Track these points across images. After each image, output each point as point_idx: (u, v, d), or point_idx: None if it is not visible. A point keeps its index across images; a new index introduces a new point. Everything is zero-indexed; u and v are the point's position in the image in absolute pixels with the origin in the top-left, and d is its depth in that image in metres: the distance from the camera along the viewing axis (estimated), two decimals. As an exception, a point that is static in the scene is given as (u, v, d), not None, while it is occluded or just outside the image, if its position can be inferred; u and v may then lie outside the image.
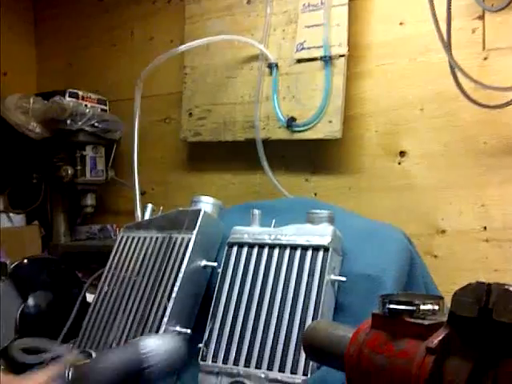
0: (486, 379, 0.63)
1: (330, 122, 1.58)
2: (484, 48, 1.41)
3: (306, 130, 1.63)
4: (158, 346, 0.91)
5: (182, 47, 1.70)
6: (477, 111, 1.39)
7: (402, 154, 1.53)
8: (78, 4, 2.31)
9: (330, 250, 1.12)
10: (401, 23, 1.54)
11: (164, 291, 1.20)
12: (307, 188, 1.70)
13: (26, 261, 1.35)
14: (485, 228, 1.40)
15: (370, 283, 1.14)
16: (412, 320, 0.71)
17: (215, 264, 1.25)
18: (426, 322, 0.70)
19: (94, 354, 1.06)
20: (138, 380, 0.87)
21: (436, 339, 0.66)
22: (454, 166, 1.45)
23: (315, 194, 1.69)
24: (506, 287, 0.64)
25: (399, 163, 1.54)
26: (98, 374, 0.84)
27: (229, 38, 1.74)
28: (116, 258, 1.33)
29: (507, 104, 1.31)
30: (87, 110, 1.93)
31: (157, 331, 1.13)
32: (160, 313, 1.16)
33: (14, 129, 1.88)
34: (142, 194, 1.91)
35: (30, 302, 1.30)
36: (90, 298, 1.35)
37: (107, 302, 1.28)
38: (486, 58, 1.40)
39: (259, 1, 1.74)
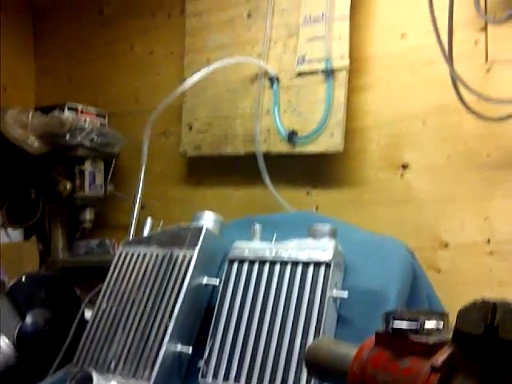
0: (493, 399, 0.62)
1: (332, 135, 1.56)
2: (487, 60, 1.40)
3: (307, 143, 1.62)
4: None
5: (187, 84, 1.66)
6: (479, 124, 1.38)
7: (405, 166, 1.52)
8: (77, 18, 2.31)
9: (332, 265, 1.11)
10: (402, 35, 1.53)
11: (165, 309, 1.18)
12: (309, 201, 1.69)
13: (24, 278, 1.33)
14: (488, 241, 1.39)
15: (372, 298, 1.12)
16: (416, 338, 0.70)
17: (217, 282, 1.23)
18: (431, 340, 0.68)
19: (93, 373, 1.05)
20: None
21: (441, 357, 0.65)
22: (456, 179, 1.44)
23: (317, 208, 1.67)
24: (513, 304, 0.62)
25: (402, 176, 1.53)
26: None
27: (228, 62, 1.71)
28: (115, 274, 1.31)
29: (510, 116, 1.30)
30: (86, 125, 1.92)
31: (157, 350, 1.12)
32: (161, 332, 1.15)
33: (13, 143, 1.87)
34: (142, 207, 1.90)
35: (28, 319, 1.28)
36: (88, 314, 1.33)
37: (106, 319, 1.26)
38: (488, 70, 1.39)
39: (260, 14, 1.74)
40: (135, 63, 2.13)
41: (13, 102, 2.05)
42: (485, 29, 1.40)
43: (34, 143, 1.88)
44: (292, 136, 1.64)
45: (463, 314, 0.65)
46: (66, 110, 1.94)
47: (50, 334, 1.30)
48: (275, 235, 1.23)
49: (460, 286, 1.41)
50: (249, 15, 1.77)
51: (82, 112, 1.99)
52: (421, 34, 1.48)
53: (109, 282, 1.31)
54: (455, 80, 1.35)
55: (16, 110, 1.93)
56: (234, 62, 1.74)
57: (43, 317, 1.31)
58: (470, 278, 1.41)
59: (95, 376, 1.03)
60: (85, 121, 1.97)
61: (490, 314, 0.63)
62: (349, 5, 1.55)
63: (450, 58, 1.35)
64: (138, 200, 1.64)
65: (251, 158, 1.71)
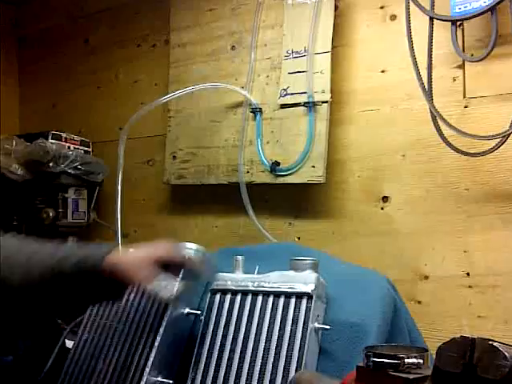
0: None
1: (314, 166, 1.59)
2: (464, 96, 1.43)
3: (289, 174, 1.64)
4: None
5: (167, 97, 1.72)
6: (458, 158, 1.41)
7: (385, 199, 1.54)
8: (62, 46, 2.33)
9: (314, 297, 1.12)
10: (383, 71, 1.56)
11: (146, 339, 1.17)
12: (291, 232, 1.70)
13: (4, 307, 1.32)
14: (468, 274, 1.41)
15: (353, 331, 1.13)
16: (397, 374, 0.71)
17: (198, 312, 1.23)
18: (411, 376, 0.70)
19: None
20: None
21: (421, 394, 0.66)
22: (436, 212, 1.46)
23: (298, 238, 1.69)
24: (490, 343, 0.63)
25: (382, 208, 1.55)
26: None
27: (212, 87, 1.75)
28: (97, 305, 1.31)
29: (487, 152, 1.33)
30: (70, 152, 1.93)
31: (138, 382, 1.11)
32: (142, 362, 1.14)
33: (-4, 171, 1.87)
34: (125, 236, 1.91)
35: (8, 349, 1.27)
36: (69, 344, 1.32)
37: (87, 349, 1.25)
38: (466, 106, 1.43)
39: (243, 47, 1.77)
40: (120, 92, 2.15)
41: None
42: (462, 66, 1.43)
43: (17, 170, 1.88)
44: (274, 167, 1.65)
45: (442, 351, 0.66)
46: (50, 137, 1.94)
47: (31, 364, 1.29)
48: (258, 267, 1.24)
49: (440, 318, 1.43)
50: (233, 47, 1.80)
51: (66, 140, 1.99)
52: (400, 70, 1.52)
53: (90, 313, 1.31)
54: (434, 115, 1.39)
55: (-1, 137, 1.94)
56: (219, 88, 1.77)
57: (23, 346, 1.30)
58: (449, 310, 1.42)
59: None
60: (69, 148, 1.98)
61: (469, 351, 0.64)
62: (330, 40, 1.58)
63: (429, 94, 1.39)
64: (119, 228, 1.65)
65: (234, 187, 1.72)
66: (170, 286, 1.09)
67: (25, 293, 1.05)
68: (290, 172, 1.64)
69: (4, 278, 1.04)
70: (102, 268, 1.06)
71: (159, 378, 1.14)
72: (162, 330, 1.17)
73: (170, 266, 1.12)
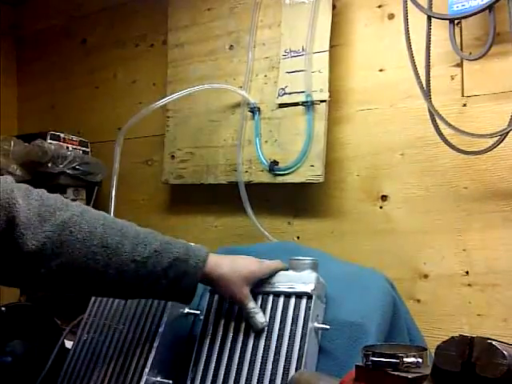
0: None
1: (312, 166, 1.59)
2: (463, 95, 1.43)
3: (288, 173, 1.64)
4: None
5: (165, 100, 1.72)
6: (457, 156, 1.40)
7: (384, 198, 1.54)
8: (60, 46, 2.33)
9: (314, 297, 1.12)
10: (381, 70, 1.56)
11: (146, 340, 1.18)
12: (290, 231, 1.70)
13: (3, 308, 1.32)
14: (467, 272, 1.41)
15: (353, 330, 1.14)
16: (396, 373, 0.71)
17: (198, 312, 1.23)
18: (410, 375, 0.70)
19: None
20: None
21: (420, 394, 0.66)
22: (435, 211, 1.46)
23: (298, 238, 1.69)
24: (489, 341, 0.63)
25: (381, 207, 1.55)
26: None
27: (210, 87, 1.75)
28: (96, 305, 1.31)
29: (486, 150, 1.33)
30: (69, 153, 1.93)
31: (137, 382, 1.11)
32: (141, 362, 1.14)
33: (-6, 171, 1.87)
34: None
35: (7, 351, 1.27)
36: (69, 345, 1.33)
37: (87, 350, 1.26)
38: (464, 105, 1.42)
39: (241, 46, 1.76)
40: (118, 92, 2.15)
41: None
42: (461, 64, 1.43)
43: (15, 171, 1.88)
44: (273, 166, 1.65)
45: (441, 350, 0.66)
46: (49, 138, 1.94)
47: (30, 364, 1.29)
48: (257, 267, 1.24)
49: (439, 317, 1.42)
50: (231, 47, 1.80)
51: (64, 140, 1.99)
52: (399, 69, 1.51)
53: (90, 313, 1.31)
54: (433, 114, 1.38)
55: (-2, 137, 1.94)
56: (216, 88, 1.77)
57: (22, 348, 1.30)
58: (449, 308, 1.42)
59: None
60: (67, 148, 1.98)
61: (468, 350, 0.64)
62: (328, 39, 1.57)
63: (427, 93, 1.38)
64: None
65: (233, 187, 1.72)
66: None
67: (130, 264, 1.03)
68: (288, 171, 1.64)
69: (118, 242, 1.03)
70: (202, 270, 1.08)
71: (158, 378, 1.14)
72: (161, 330, 1.18)
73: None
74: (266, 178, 1.68)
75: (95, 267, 1.01)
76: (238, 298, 1.13)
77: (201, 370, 1.13)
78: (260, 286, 1.17)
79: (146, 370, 1.12)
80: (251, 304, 1.13)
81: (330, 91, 1.57)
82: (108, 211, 1.63)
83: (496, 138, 1.31)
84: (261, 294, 1.17)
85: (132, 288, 1.07)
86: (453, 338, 0.66)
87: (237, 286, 1.12)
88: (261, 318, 1.13)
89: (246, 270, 1.14)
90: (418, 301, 1.47)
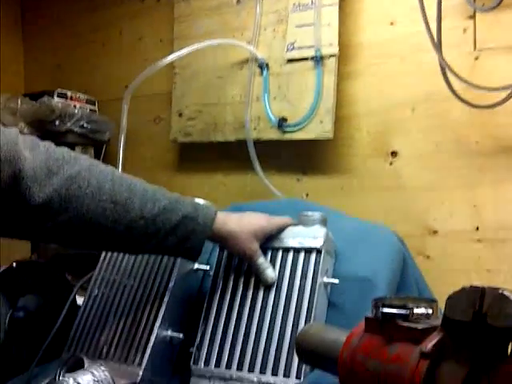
0: (481, 384, 0.63)
1: (321, 122, 1.57)
2: (475, 48, 1.40)
3: (297, 130, 1.62)
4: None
5: (171, 56, 1.68)
6: (468, 111, 1.39)
7: (394, 154, 1.53)
8: (65, 3, 2.29)
9: (323, 252, 1.12)
10: (391, 23, 1.53)
11: (156, 295, 1.18)
12: (299, 188, 1.70)
13: (14, 265, 1.33)
14: (477, 228, 1.40)
15: (362, 285, 1.14)
16: (406, 324, 0.71)
17: (207, 267, 1.24)
18: (420, 326, 0.69)
19: (85, 360, 1.05)
20: None
21: (430, 343, 0.65)
22: (445, 167, 1.45)
23: (307, 195, 1.68)
24: (501, 291, 0.63)
25: (391, 163, 1.54)
26: None
27: (217, 42, 1.72)
28: (106, 261, 1.32)
29: (498, 104, 1.31)
30: (76, 111, 1.91)
31: (148, 336, 1.12)
32: (152, 317, 1.15)
33: (2, 130, 1.86)
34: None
35: (19, 306, 1.28)
36: (80, 301, 1.34)
37: (97, 305, 1.26)
38: (477, 58, 1.40)
39: (249, 0, 1.73)
40: (124, 49, 2.12)
41: (2, 87, 2.04)
42: (473, 16, 1.40)
43: (23, 129, 1.87)
44: (282, 123, 1.64)
45: (452, 300, 0.66)
46: (56, 96, 1.93)
47: (42, 319, 1.30)
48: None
49: (449, 273, 1.43)
50: (238, 1, 1.77)
51: (71, 98, 1.98)
52: (409, 22, 1.48)
53: (100, 269, 1.31)
54: (444, 68, 1.36)
55: (5, 96, 1.92)
56: (224, 43, 1.74)
57: (35, 303, 1.32)
58: (458, 264, 1.42)
59: (86, 361, 1.03)
60: (74, 107, 1.97)
61: (479, 300, 0.64)
62: (338, -8, 1.55)
63: (438, 46, 1.36)
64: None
65: (241, 144, 1.71)
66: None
67: (139, 221, 1.03)
68: (297, 128, 1.62)
69: (127, 198, 1.03)
70: (210, 228, 1.07)
71: (169, 332, 1.15)
72: (171, 285, 1.18)
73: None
74: (274, 134, 1.67)
75: (104, 223, 1.01)
76: (248, 254, 1.13)
77: (211, 324, 1.14)
78: (269, 241, 1.17)
79: (157, 323, 1.13)
80: (261, 259, 1.13)
81: (339, 45, 1.55)
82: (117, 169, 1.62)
83: (508, 91, 1.29)
84: (270, 249, 1.17)
85: (140, 244, 1.06)
86: (464, 288, 0.65)
87: (245, 242, 1.12)
88: (271, 273, 1.13)
89: (254, 226, 1.13)
90: (428, 257, 1.47)
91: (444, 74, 1.37)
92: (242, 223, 1.13)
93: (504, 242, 1.36)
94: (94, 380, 0.89)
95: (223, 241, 1.13)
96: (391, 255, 1.22)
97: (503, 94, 1.30)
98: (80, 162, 1.02)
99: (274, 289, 1.13)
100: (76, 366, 1.03)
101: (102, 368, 0.92)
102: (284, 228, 1.18)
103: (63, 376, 0.89)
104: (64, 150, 1.03)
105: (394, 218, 1.49)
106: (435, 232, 1.46)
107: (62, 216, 0.98)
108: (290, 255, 1.15)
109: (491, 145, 1.38)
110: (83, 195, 0.99)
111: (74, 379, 0.88)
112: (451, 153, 1.44)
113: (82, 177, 1.00)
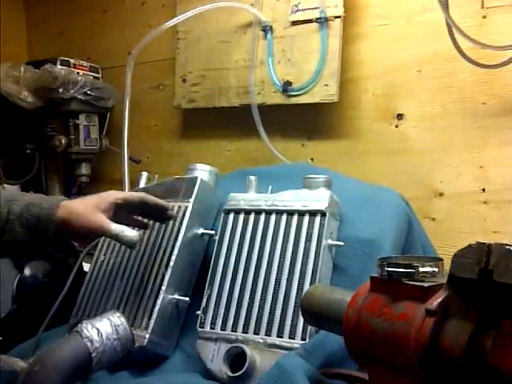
0: (486, 340, 0.63)
1: (327, 85, 1.55)
2: (483, 6, 1.37)
3: (302, 94, 1.60)
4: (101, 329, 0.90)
5: (174, 20, 1.66)
6: (475, 71, 1.36)
7: (400, 116, 1.51)
8: (67, -31, 2.26)
9: (327, 214, 1.11)
10: (397, -18, 1.50)
11: (162, 259, 1.19)
12: (304, 153, 1.69)
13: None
14: (483, 190, 1.39)
15: (367, 247, 1.13)
16: (411, 282, 0.70)
17: (212, 232, 1.24)
18: (426, 284, 0.69)
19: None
20: (89, 367, 0.87)
21: (435, 301, 0.65)
22: (451, 128, 1.43)
23: (312, 159, 1.67)
24: (507, 247, 0.62)
25: (396, 126, 1.52)
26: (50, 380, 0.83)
27: (221, 5, 1.69)
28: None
29: (506, 63, 1.29)
30: (79, 78, 1.90)
31: (155, 300, 1.13)
32: (158, 281, 1.16)
33: (6, 98, 1.85)
34: (138, 162, 1.90)
35: (27, 272, 1.29)
36: (86, 267, 1.34)
37: (104, 271, 1.27)
38: (484, 17, 1.37)
39: (252, -38, 1.70)
40: (127, 15, 2.10)
41: (4, 56, 2.02)
42: (481, -26, 1.37)
43: (27, 98, 1.86)
44: (286, 87, 1.62)
45: (458, 257, 0.65)
46: (59, 64, 1.91)
47: (49, 286, 1.31)
48: (271, 187, 1.23)
49: (454, 235, 1.42)
50: (241, -37, 1.74)
51: (74, 66, 1.96)
52: (416, -19, 1.46)
53: (106, 235, 1.32)
54: (451, 27, 1.34)
55: (7, 64, 1.91)
56: (227, 6, 1.70)
57: (42, 269, 1.32)
58: (464, 226, 1.41)
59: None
60: (78, 74, 1.95)
61: (485, 257, 0.63)
62: (343, -48, 1.51)
63: (445, 5, 1.33)
64: (125, 152, 1.62)
65: (246, 110, 1.70)
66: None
67: None
68: (302, 92, 1.60)
69: None
70: (56, 212, 1.04)
71: (176, 296, 1.16)
72: (176, 250, 1.18)
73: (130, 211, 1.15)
74: (279, 99, 1.65)
75: None
76: (96, 227, 1.06)
77: (216, 288, 1.14)
78: (132, 213, 1.17)
79: (163, 288, 1.14)
80: (113, 226, 1.06)
81: (344, 7, 1.52)
82: (121, 137, 1.61)
83: (516, 50, 1.27)
84: (274, 212, 1.17)
85: None
86: (470, 245, 0.65)
87: (90, 217, 1.06)
88: (129, 233, 1.07)
89: (95, 199, 1.09)
90: (434, 219, 1.46)
91: (451, 33, 1.35)
92: (84, 201, 1.09)
93: (510, 203, 1.35)
94: (111, 325, 0.90)
95: (73, 224, 1.05)
96: (396, 217, 1.21)
97: (511, 53, 1.27)
98: None
99: (279, 252, 1.12)
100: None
101: (118, 314, 0.93)
102: (141, 200, 1.15)
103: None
104: None
105: (400, 181, 1.48)
106: (441, 194, 1.45)
107: None
108: (295, 218, 1.14)
109: (498, 106, 1.36)
110: None
111: (92, 325, 0.89)
112: (458, 114, 1.42)
113: None
